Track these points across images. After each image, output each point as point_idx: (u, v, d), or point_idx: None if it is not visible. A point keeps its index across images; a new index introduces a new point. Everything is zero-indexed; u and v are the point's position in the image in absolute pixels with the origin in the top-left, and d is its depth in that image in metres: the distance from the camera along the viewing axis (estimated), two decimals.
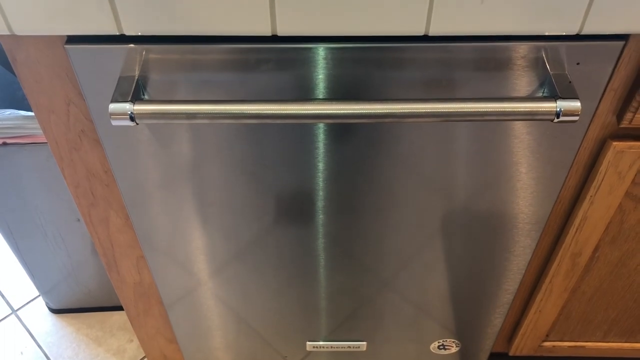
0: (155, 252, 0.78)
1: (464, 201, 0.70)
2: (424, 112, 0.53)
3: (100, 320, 1.29)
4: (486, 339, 0.98)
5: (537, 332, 0.95)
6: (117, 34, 0.51)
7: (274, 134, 0.62)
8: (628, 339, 0.99)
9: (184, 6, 0.49)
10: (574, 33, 0.51)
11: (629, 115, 0.60)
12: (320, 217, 0.72)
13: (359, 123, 0.61)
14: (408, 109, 0.53)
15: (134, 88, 0.55)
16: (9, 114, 0.87)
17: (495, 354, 1.07)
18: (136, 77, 0.56)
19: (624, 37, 0.54)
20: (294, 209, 0.71)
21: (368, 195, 0.69)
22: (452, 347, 1.00)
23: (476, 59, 0.55)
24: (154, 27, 0.51)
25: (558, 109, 0.53)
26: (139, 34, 0.51)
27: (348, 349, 1.00)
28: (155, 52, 0.54)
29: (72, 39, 0.54)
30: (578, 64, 0.55)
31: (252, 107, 0.53)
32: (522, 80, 0.57)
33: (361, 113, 0.53)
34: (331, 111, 0.53)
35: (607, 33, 0.51)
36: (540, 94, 0.58)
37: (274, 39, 0.54)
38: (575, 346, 1.00)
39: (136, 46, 0.53)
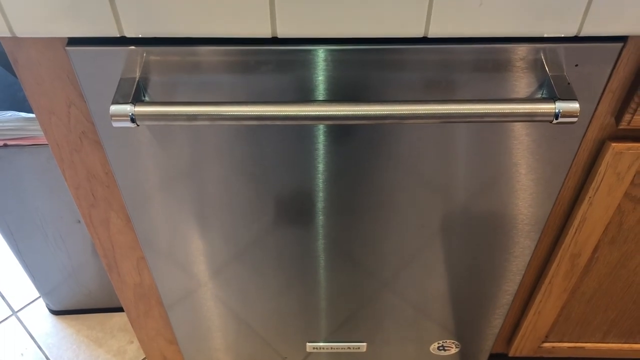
0: (156, 253, 0.78)
1: (464, 202, 0.70)
2: (424, 113, 0.53)
3: (101, 322, 1.29)
4: (486, 340, 0.98)
5: (537, 333, 0.95)
6: (118, 35, 0.51)
7: (274, 135, 0.62)
8: (627, 340, 0.99)
9: (184, 8, 0.49)
10: (573, 35, 0.52)
11: (627, 117, 0.60)
12: (320, 218, 0.73)
13: (358, 124, 0.61)
14: (407, 110, 0.53)
15: (135, 90, 0.55)
16: (10, 115, 0.87)
17: (494, 355, 1.07)
18: (137, 79, 0.56)
19: (622, 39, 0.54)
20: (294, 210, 0.71)
21: (368, 197, 0.70)
22: (452, 347, 1.00)
23: (475, 60, 0.55)
24: (154, 29, 0.51)
25: (557, 111, 0.53)
26: (140, 35, 0.51)
27: (348, 350, 1.00)
28: (155, 53, 0.54)
29: (73, 41, 0.54)
30: (577, 65, 0.55)
31: (252, 109, 0.53)
32: (521, 82, 0.57)
33: (361, 114, 0.53)
34: (331, 113, 0.53)
35: (606, 35, 0.52)
36: (539, 96, 0.58)
37: (274, 40, 0.54)
38: (574, 347, 1.00)
39: (137, 48, 0.54)
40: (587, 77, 0.56)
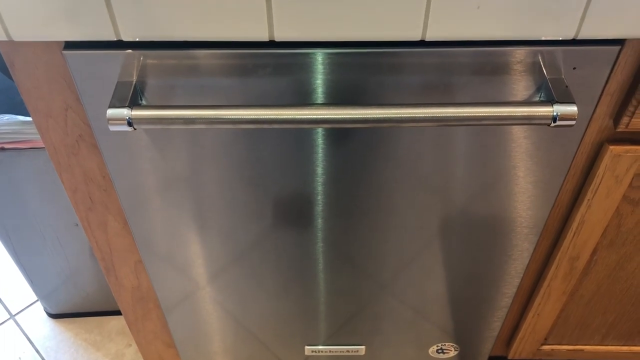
0: (154, 256, 0.78)
1: (462, 205, 0.70)
2: (421, 116, 0.53)
3: (99, 325, 1.29)
4: (485, 343, 0.98)
5: (536, 335, 0.95)
6: (115, 39, 0.51)
7: (272, 138, 0.62)
8: (626, 342, 0.99)
9: (181, 12, 0.49)
10: (570, 38, 0.52)
11: (625, 119, 0.60)
12: (319, 221, 0.72)
13: (356, 128, 0.61)
14: (405, 113, 0.53)
15: (132, 93, 0.55)
16: (7, 119, 0.87)
17: (493, 358, 1.07)
18: (134, 83, 0.56)
19: (620, 42, 0.54)
20: (292, 213, 0.71)
21: (366, 200, 0.69)
22: (451, 350, 1.00)
23: (473, 63, 0.55)
24: (151, 32, 0.51)
25: (555, 114, 0.53)
26: (137, 39, 0.51)
27: (347, 353, 1.00)
28: (152, 57, 0.54)
29: (70, 45, 0.54)
30: (574, 68, 0.55)
31: (249, 112, 0.53)
32: (519, 85, 0.57)
33: (359, 118, 0.53)
34: (329, 116, 0.53)
35: (603, 38, 0.51)
36: (537, 99, 0.58)
37: (272, 44, 0.54)
38: (573, 349, 1.00)
39: (134, 52, 0.54)
40: (585, 79, 0.56)
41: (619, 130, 0.62)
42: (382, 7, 0.49)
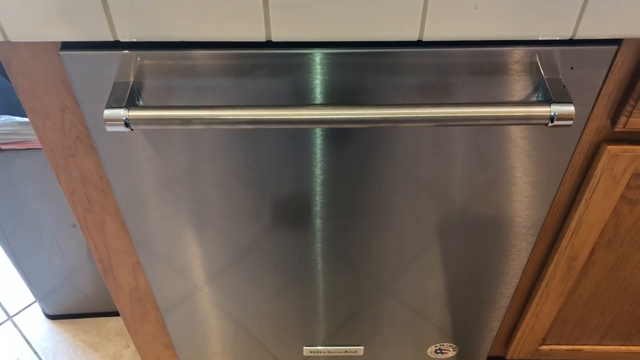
0: (151, 257, 0.78)
1: (460, 205, 0.70)
2: (419, 117, 0.53)
3: (97, 326, 1.28)
4: (483, 343, 0.98)
5: (534, 335, 0.95)
6: (112, 40, 0.51)
7: (269, 139, 0.62)
8: (625, 342, 0.99)
9: (178, 12, 0.49)
10: (568, 38, 0.52)
11: (623, 119, 0.60)
12: (317, 221, 0.72)
13: (354, 128, 0.61)
14: (403, 114, 0.53)
15: (129, 94, 0.55)
16: (5, 120, 0.87)
17: (492, 358, 1.07)
18: (131, 83, 0.56)
19: (617, 42, 0.54)
20: (291, 213, 0.71)
21: (364, 200, 0.69)
22: (449, 351, 1.00)
23: (470, 63, 0.55)
24: (148, 33, 0.51)
25: (552, 114, 0.53)
26: (134, 40, 0.51)
27: (345, 354, 1.00)
28: (149, 58, 0.54)
29: (67, 45, 0.54)
30: (572, 68, 0.55)
31: (247, 113, 0.53)
32: (517, 85, 0.57)
33: (357, 118, 0.53)
34: (327, 116, 0.53)
35: (601, 38, 0.51)
36: (534, 99, 0.58)
37: (269, 44, 0.54)
38: (572, 349, 1.00)
39: (131, 52, 0.53)
40: (582, 79, 0.56)
41: (616, 130, 0.62)
42: (379, 7, 0.49)
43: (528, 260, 0.80)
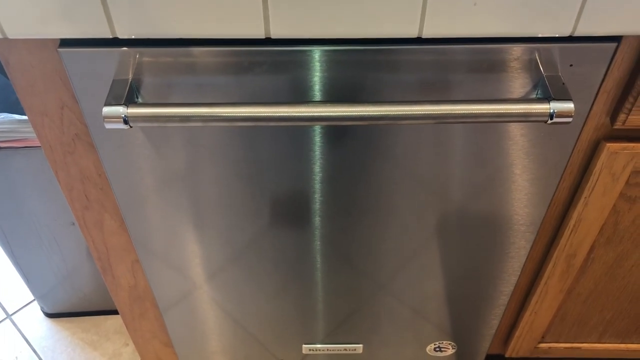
0: (150, 255, 0.78)
1: (459, 203, 0.70)
2: (418, 114, 0.53)
3: (96, 324, 1.28)
4: (482, 341, 0.98)
5: (533, 333, 0.95)
6: (111, 37, 0.51)
7: (268, 136, 0.62)
8: (624, 340, 0.99)
9: (177, 9, 0.49)
10: (567, 35, 0.51)
11: (622, 117, 0.60)
12: (316, 219, 0.72)
13: (353, 125, 0.61)
14: (402, 111, 0.53)
15: (128, 91, 0.55)
16: (3, 117, 0.87)
17: (491, 356, 1.07)
18: (130, 80, 0.56)
19: (616, 39, 0.54)
20: (290, 211, 0.71)
21: (363, 197, 0.69)
22: (449, 349, 1.00)
23: (470, 60, 0.55)
24: (147, 30, 0.51)
25: (551, 111, 0.53)
26: (132, 37, 0.51)
27: (344, 352, 1.00)
28: (148, 55, 0.54)
29: (66, 42, 0.54)
30: (571, 65, 0.55)
31: (246, 110, 0.53)
32: (516, 82, 0.57)
33: (356, 115, 0.53)
34: (326, 113, 0.53)
35: (600, 35, 0.51)
36: (533, 96, 0.58)
37: (268, 41, 0.54)
38: (571, 347, 1.00)
39: (129, 49, 0.53)
40: (581, 77, 0.56)
41: (615, 127, 0.62)
42: (378, 4, 0.49)
43: (527, 258, 0.80)
